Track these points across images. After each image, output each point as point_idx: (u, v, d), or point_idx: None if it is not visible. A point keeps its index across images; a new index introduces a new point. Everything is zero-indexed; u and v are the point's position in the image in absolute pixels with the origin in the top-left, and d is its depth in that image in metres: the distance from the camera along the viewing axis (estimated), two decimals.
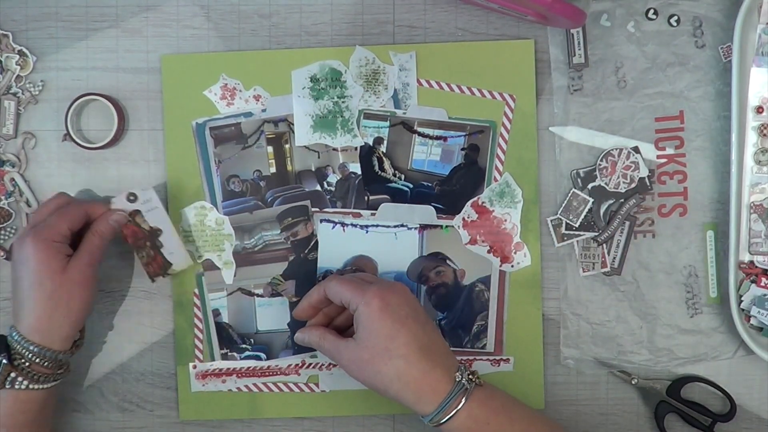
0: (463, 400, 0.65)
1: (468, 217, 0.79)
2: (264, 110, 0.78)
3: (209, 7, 0.79)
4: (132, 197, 0.74)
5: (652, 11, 0.78)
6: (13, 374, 0.68)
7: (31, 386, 0.69)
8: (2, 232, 0.79)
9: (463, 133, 0.78)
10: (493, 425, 0.66)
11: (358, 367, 0.67)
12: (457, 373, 0.67)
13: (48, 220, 0.70)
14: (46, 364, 0.69)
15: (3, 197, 0.78)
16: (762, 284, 0.77)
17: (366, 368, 0.67)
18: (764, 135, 0.77)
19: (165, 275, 0.76)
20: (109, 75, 0.79)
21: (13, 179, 0.78)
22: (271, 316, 0.79)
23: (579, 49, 0.78)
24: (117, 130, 0.78)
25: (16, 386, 0.68)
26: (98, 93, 0.78)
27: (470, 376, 0.67)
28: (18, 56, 0.78)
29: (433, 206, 0.79)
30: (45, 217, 0.71)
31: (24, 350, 0.68)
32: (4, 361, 0.68)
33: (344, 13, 0.79)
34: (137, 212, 0.75)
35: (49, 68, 0.79)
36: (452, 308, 0.79)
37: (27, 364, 0.68)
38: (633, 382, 0.79)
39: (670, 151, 0.79)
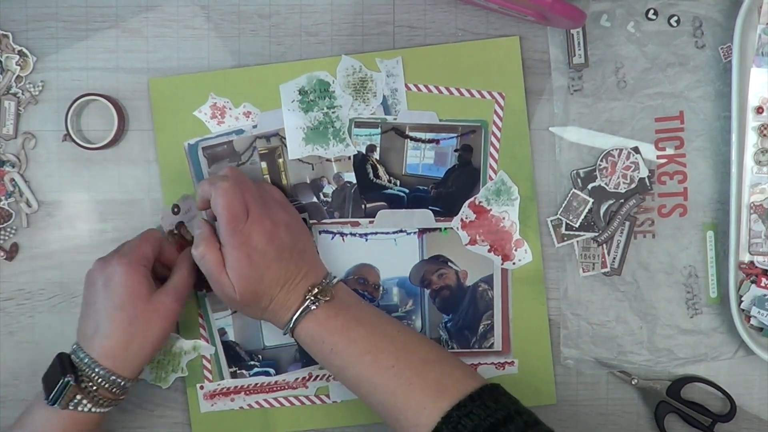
0: (302, 320, 0.70)
1: (466, 218, 0.79)
2: (255, 126, 0.78)
3: (209, 7, 0.79)
4: (176, 209, 0.76)
5: (652, 11, 0.78)
6: (78, 396, 0.67)
7: (93, 410, 0.67)
8: (2, 232, 0.79)
9: (455, 135, 0.78)
10: (327, 344, 0.69)
11: (232, 305, 0.73)
12: (308, 295, 0.70)
13: (131, 244, 0.71)
14: (113, 390, 0.68)
15: (3, 197, 0.79)
16: (762, 284, 0.77)
17: (238, 308, 0.72)
18: (764, 135, 0.77)
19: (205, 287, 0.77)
20: (109, 75, 0.79)
21: (13, 179, 0.78)
22: (277, 330, 0.78)
23: (579, 50, 0.78)
24: (117, 130, 0.78)
25: (80, 408, 0.67)
26: (98, 93, 0.78)
27: (317, 296, 0.70)
28: (18, 56, 0.78)
29: (431, 209, 0.79)
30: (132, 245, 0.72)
31: (93, 374, 0.67)
32: (72, 382, 0.66)
33: (344, 13, 0.79)
34: (181, 224, 0.76)
35: (49, 68, 0.79)
36: (457, 310, 0.79)
37: (94, 387, 0.67)
38: (633, 383, 0.79)
39: (670, 151, 0.79)
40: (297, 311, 0.69)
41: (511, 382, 0.79)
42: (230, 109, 0.78)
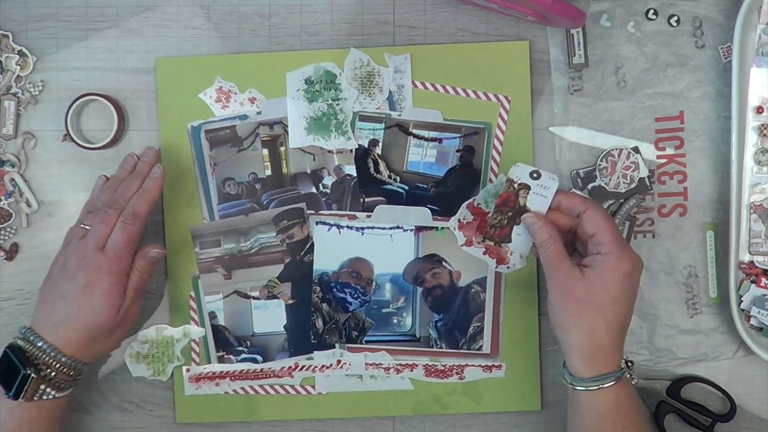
0: (613, 384, 0.67)
1: (464, 219, 0.79)
2: (259, 113, 0.78)
3: (209, 7, 0.79)
4: (535, 174, 0.72)
5: (652, 11, 0.78)
6: (42, 386, 0.68)
7: (56, 395, 0.69)
8: (2, 232, 0.79)
9: (458, 135, 0.78)
10: (627, 419, 0.68)
11: (563, 298, 0.67)
12: (622, 361, 0.69)
13: (118, 250, 0.70)
14: (71, 373, 0.69)
15: (3, 197, 0.79)
16: (762, 284, 0.77)
17: (570, 304, 0.67)
18: (764, 135, 0.77)
19: None
20: (109, 75, 0.79)
21: (13, 179, 0.78)
22: (267, 318, 0.79)
23: (579, 49, 0.78)
24: (117, 130, 0.78)
25: (44, 397, 0.68)
26: (98, 93, 0.78)
27: (630, 371, 0.70)
28: (18, 56, 0.78)
29: (429, 208, 0.79)
30: (104, 226, 0.70)
31: (54, 361, 0.68)
32: (33, 375, 0.67)
33: (344, 13, 0.79)
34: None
35: (49, 68, 0.79)
36: (448, 310, 0.79)
37: (53, 374, 0.68)
38: (633, 382, 0.79)
39: (670, 151, 0.79)
40: (613, 371, 0.68)
41: (498, 386, 0.79)
42: (236, 94, 0.78)
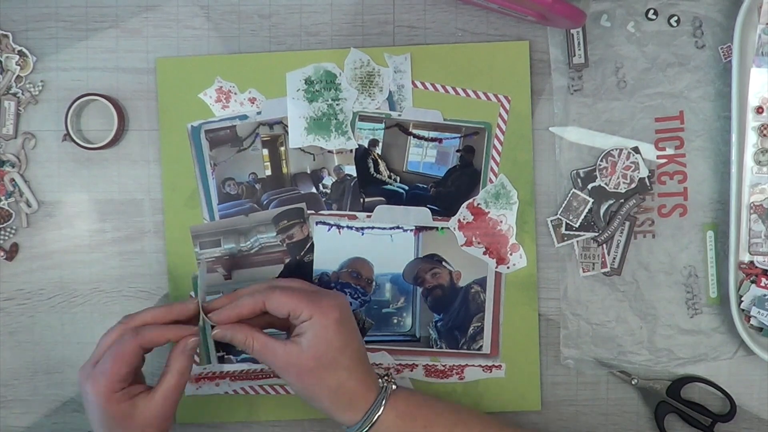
0: (383, 403, 0.68)
1: (463, 219, 0.79)
2: (259, 113, 0.78)
3: (209, 7, 0.79)
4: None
5: (652, 11, 0.78)
6: None
7: None
8: (2, 232, 0.79)
9: (458, 135, 0.78)
10: (420, 420, 0.69)
11: (297, 373, 0.67)
12: (380, 380, 0.70)
13: (103, 366, 0.65)
14: None
15: (3, 197, 0.79)
16: (762, 284, 0.77)
17: (306, 376, 0.67)
18: (764, 135, 0.77)
19: None
20: (109, 75, 0.79)
21: (13, 179, 0.78)
22: None
23: (579, 50, 0.78)
24: (117, 130, 0.78)
25: None
26: (98, 93, 0.78)
27: (388, 380, 0.70)
28: (18, 56, 0.78)
29: (429, 208, 0.79)
30: (103, 350, 0.67)
31: None
32: None
33: (344, 13, 0.79)
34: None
35: (49, 68, 0.79)
36: (448, 310, 0.79)
37: None
38: (633, 382, 0.79)
39: (670, 151, 0.79)
40: (376, 396, 0.69)
41: (497, 386, 0.79)
42: (235, 94, 0.78)
